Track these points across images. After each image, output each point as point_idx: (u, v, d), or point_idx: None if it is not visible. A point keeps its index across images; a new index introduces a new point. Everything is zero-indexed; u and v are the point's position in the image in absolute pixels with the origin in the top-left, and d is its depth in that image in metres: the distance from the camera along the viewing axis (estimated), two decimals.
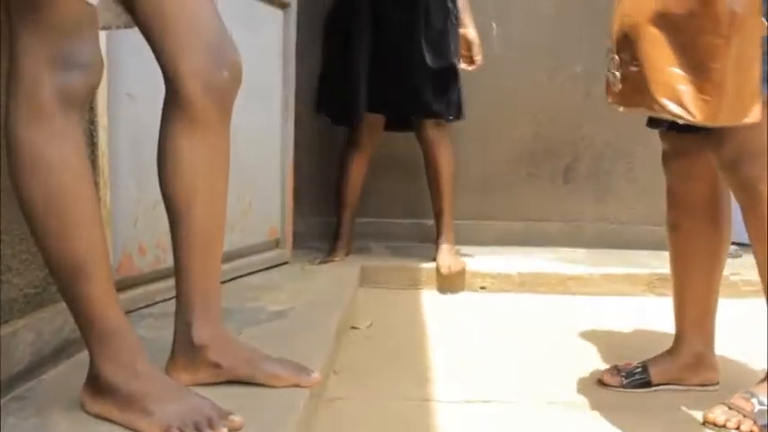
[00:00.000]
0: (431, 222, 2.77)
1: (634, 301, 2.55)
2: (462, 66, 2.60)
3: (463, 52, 2.61)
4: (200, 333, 1.18)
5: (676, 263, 1.61)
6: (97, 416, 1.06)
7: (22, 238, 1.19)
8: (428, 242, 2.80)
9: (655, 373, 1.60)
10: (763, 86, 1.19)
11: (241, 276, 2.25)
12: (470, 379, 1.70)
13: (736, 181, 1.35)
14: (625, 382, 1.60)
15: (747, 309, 2.16)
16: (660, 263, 2.34)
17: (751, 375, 1.59)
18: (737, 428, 1.37)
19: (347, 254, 2.76)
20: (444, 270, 2.59)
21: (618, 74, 1.26)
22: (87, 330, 1.05)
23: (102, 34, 1.22)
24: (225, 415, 1.03)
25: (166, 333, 1.24)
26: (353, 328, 2.09)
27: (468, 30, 2.57)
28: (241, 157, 1.82)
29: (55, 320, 1.28)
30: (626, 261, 2.83)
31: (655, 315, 2.21)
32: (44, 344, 1.25)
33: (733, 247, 1.94)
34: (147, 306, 1.77)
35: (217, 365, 1.19)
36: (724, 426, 1.38)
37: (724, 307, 1.64)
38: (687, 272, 1.58)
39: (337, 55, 2.58)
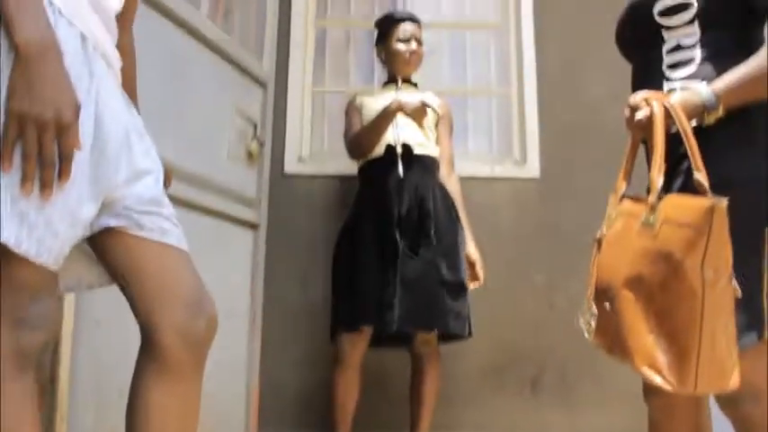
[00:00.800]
0: None
1: None
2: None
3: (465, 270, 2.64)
4: None
5: None
6: None
7: None
8: None
9: None
10: (751, 334, 1.20)
11: None
12: None
13: (737, 416, 1.31)
14: None
15: None
16: None
17: None
18: None
19: None
20: None
21: (593, 323, 1.28)
22: None
23: None
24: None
25: None
26: None
27: (470, 248, 2.63)
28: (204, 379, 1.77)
29: None
30: None
31: None
32: None
33: None
34: None
35: None
36: None
37: None
38: None
39: (346, 276, 2.53)
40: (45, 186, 0.94)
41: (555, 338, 3.12)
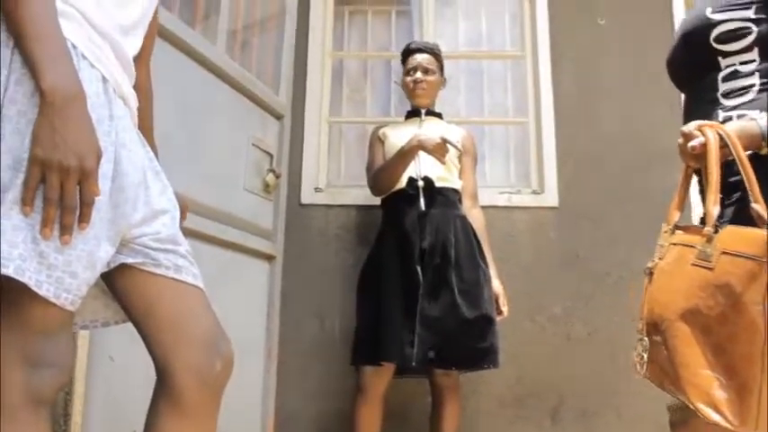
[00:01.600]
0: None
1: None
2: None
3: None
4: None
5: None
6: None
7: None
8: None
9: None
10: None
11: None
12: None
13: None
14: None
15: None
16: None
17: None
18: None
19: None
20: None
21: (645, 356, 1.24)
22: None
23: None
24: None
25: None
26: None
27: (494, 281, 2.59)
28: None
29: None
30: None
31: None
32: None
33: None
34: None
35: None
36: None
37: None
38: None
39: (370, 309, 2.51)
40: (65, 231, 0.95)
41: (574, 369, 3.08)
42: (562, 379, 3.10)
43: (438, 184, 2.57)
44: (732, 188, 1.26)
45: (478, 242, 2.57)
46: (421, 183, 2.56)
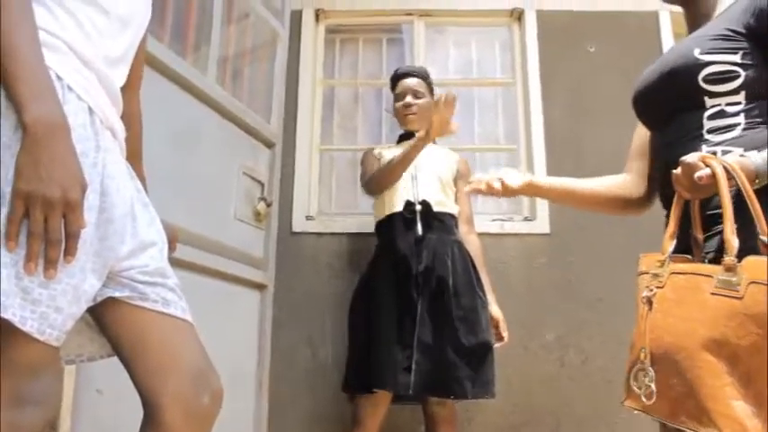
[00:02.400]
0: None
1: None
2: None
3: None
4: None
5: None
6: None
7: None
8: None
9: None
10: None
11: None
12: None
13: None
14: None
15: None
16: None
17: None
18: None
19: None
20: None
21: (653, 387, 1.22)
22: None
23: None
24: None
25: None
26: None
27: (493, 307, 2.55)
28: None
29: None
30: None
31: None
32: None
33: None
34: None
35: None
36: None
37: None
38: None
39: (364, 334, 2.44)
40: (50, 265, 0.93)
41: (568, 395, 3.06)
42: (557, 406, 3.08)
43: (435, 208, 2.53)
44: (711, 221, 1.29)
45: (475, 268, 2.53)
46: (418, 207, 2.52)
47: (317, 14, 3.49)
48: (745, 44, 1.35)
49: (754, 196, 1.17)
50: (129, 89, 1.29)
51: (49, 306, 0.94)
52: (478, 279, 2.52)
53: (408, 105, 2.69)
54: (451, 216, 2.59)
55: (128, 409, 1.13)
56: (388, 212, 2.56)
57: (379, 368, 2.31)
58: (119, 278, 1.10)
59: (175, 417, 1.09)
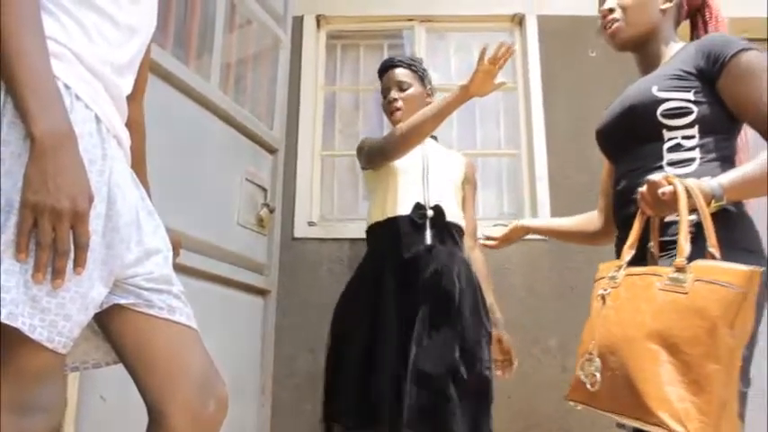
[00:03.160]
0: None
1: None
2: (497, 373, 2.31)
3: (498, 357, 2.34)
4: None
5: None
6: None
7: None
8: None
9: None
10: None
11: None
12: None
13: None
14: None
15: None
16: None
17: None
18: None
19: None
20: None
21: (598, 375, 1.32)
22: None
23: None
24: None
25: None
26: None
27: (502, 333, 2.35)
28: None
29: None
30: None
31: None
32: None
33: None
34: None
35: None
36: None
37: None
38: None
39: (353, 353, 2.11)
40: (57, 275, 0.94)
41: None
42: (560, 412, 3.07)
43: (448, 217, 2.24)
44: (667, 246, 1.43)
45: (481, 291, 2.25)
46: (430, 212, 2.21)
47: (319, 20, 3.50)
48: (696, 83, 1.50)
49: (708, 214, 1.30)
50: (134, 97, 1.30)
51: (57, 314, 0.95)
52: (484, 304, 2.24)
53: (392, 101, 2.40)
54: (461, 229, 2.32)
55: (132, 416, 1.14)
56: (390, 214, 2.23)
57: (382, 398, 1.99)
58: (124, 285, 1.11)
59: (181, 424, 1.10)
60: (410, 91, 2.41)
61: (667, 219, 1.39)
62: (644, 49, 1.69)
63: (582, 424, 3.04)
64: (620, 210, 1.62)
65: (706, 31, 1.67)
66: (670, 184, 1.35)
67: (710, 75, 1.48)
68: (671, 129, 1.52)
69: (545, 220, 2.24)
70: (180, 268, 1.26)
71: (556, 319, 3.10)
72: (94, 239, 1.00)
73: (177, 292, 1.18)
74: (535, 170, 3.26)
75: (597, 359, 1.33)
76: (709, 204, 1.34)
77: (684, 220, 1.30)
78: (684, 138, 1.50)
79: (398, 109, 2.37)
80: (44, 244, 0.92)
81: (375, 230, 2.30)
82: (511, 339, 2.43)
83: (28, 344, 0.94)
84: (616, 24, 1.69)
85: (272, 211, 2.46)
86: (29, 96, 0.93)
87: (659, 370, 1.20)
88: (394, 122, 2.39)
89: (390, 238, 2.21)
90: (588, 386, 1.34)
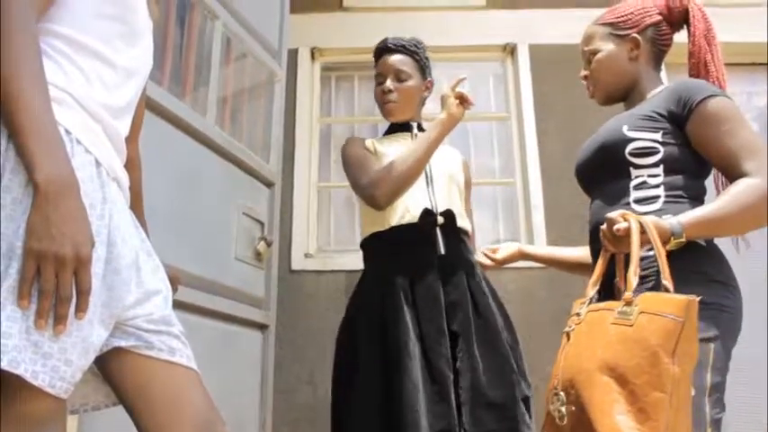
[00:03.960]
0: None
1: None
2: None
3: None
4: None
5: None
6: None
7: None
8: None
9: None
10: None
11: None
12: None
13: None
14: None
15: None
16: None
17: None
18: None
19: None
20: None
21: (564, 409, 1.35)
22: None
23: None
24: None
25: None
26: None
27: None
28: None
29: None
30: None
31: None
32: None
33: None
34: None
35: None
36: None
37: None
38: None
39: (374, 384, 1.82)
40: (60, 321, 0.94)
41: None
42: None
43: (458, 222, 2.03)
44: (643, 280, 1.44)
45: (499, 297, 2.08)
46: (441, 219, 1.99)
47: (313, 53, 3.54)
48: (666, 125, 1.56)
49: (662, 249, 1.36)
50: (130, 135, 1.31)
51: (59, 359, 0.95)
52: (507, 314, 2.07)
53: (387, 91, 2.13)
54: (467, 233, 2.12)
55: None
56: (396, 223, 2.00)
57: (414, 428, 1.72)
58: (124, 327, 1.11)
59: None
60: (409, 83, 2.15)
61: (643, 253, 1.43)
62: (629, 98, 1.74)
63: None
64: (592, 244, 1.68)
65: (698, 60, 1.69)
66: (626, 220, 1.40)
67: (680, 118, 1.54)
68: (637, 167, 1.57)
69: (545, 248, 2.20)
70: (178, 304, 1.25)
71: (553, 347, 3.08)
72: (95, 283, 1.00)
73: (177, 333, 1.18)
74: (530, 198, 3.27)
75: (562, 393, 1.36)
76: (668, 242, 1.40)
77: (635, 255, 1.36)
78: (650, 176, 1.56)
79: (393, 101, 2.13)
80: (47, 291, 0.92)
81: (376, 242, 2.05)
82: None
83: (29, 389, 0.93)
84: (591, 88, 1.79)
85: (269, 244, 2.46)
86: (31, 143, 0.93)
87: (610, 400, 1.24)
88: (386, 114, 2.18)
89: (397, 249, 1.98)
90: (557, 421, 1.36)
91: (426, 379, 1.79)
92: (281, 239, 2.88)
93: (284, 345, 2.91)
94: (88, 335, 0.99)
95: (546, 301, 3.17)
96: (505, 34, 3.60)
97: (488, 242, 3.31)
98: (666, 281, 1.32)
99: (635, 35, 1.70)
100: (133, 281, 1.11)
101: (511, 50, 3.59)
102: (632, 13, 1.72)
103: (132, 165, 1.34)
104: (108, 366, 1.13)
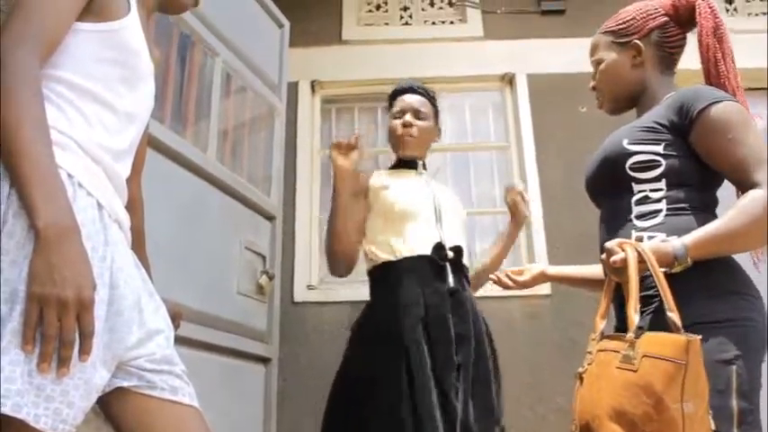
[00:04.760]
0: None
1: None
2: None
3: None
4: None
5: None
6: None
7: None
8: None
9: None
10: None
11: None
12: None
13: None
14: None
15: None
16: None
17: None
18: None
19: None
20: None
21: None
22: None
23: None
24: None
25: None
26: None
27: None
28: None
29: None
30: None
31: None
32: None
33: None
34: None
35: None
36: None
37: None
38: None
39: (385, 416, 1.83)
40: (63, 364, 0.95)
41: None
42: None
43: (464, 258, 2.10)
44: (646, 300, 1.40)
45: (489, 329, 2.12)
46: (451, 253, 2.05)
47: (313, 86, 3.57)
48: (668, 136, 1.49)
49: (662, 277, 1.29)
50: (132, 175, 1.32)
51: (61, 402, 0.95)
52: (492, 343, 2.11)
53: (408, 125, 2.20)
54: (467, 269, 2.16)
55: None
56: (408, 254, 2.03)
57: None
58: (126, 367, 1.11)
59: None
60: (426, 123, 2.25)
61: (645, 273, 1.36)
62: (639, 105, 1.68)
63: None
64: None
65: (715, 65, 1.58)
66: (623, 250, 1.35)
67: (682, 128, 1.47)
68: (639, 181, 1.51)
69: (567, 268, 2.08)
70: (180, 339, 1.26)
71: (561, 376, 3.06)
72: (98, 325, 1.01)
73: (179, 372, 1.18)
74: (531, 227, 3.28)
75: None
76: (672, 265, 1.33)
77: (634, 289, 1.30)
78: (652, 190, 1.49)
79: (413, 136, 2.21)
80: (50, 335, 0.93)
81: (388, 270, 2.04)
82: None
83: (31, 431, 0.93)
84: (599, 99, 1.76)
85: (271, 278, 2.47)
86: (32, 189, 0.95)
87: None
88: (402, 146, 2.24)
89: (411, 278, 1.99)
90: None
91: (437, 405, 1.82)
92: (283, 271, 2.88)
93: (288, 377, 2.90)
94: (91, 376, 1.00)
95: (551, 329, 3.15)
96: (503, 64, 3.63)
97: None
98: (671, 312, 1.25)
99: (636, 41, 1.63)
100: (135, 322, 1.12)
101: (509, 80, 3.63)
102: (634, 18, 1.65)
103: (134, 205, 1.36)
104: (110, 406, 1.13)
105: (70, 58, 1.12)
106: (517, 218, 2.25)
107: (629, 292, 1.31)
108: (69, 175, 1.04)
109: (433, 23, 3.83)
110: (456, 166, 3.58)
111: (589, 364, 1.39)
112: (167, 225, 1.92)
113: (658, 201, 1.48)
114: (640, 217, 1.49)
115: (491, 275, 2.20)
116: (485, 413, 1.91)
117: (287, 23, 2.96)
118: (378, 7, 3.85)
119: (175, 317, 1.34)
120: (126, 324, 1.09)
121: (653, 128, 1.51)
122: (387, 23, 3.81)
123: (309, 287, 3.18)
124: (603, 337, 1.41)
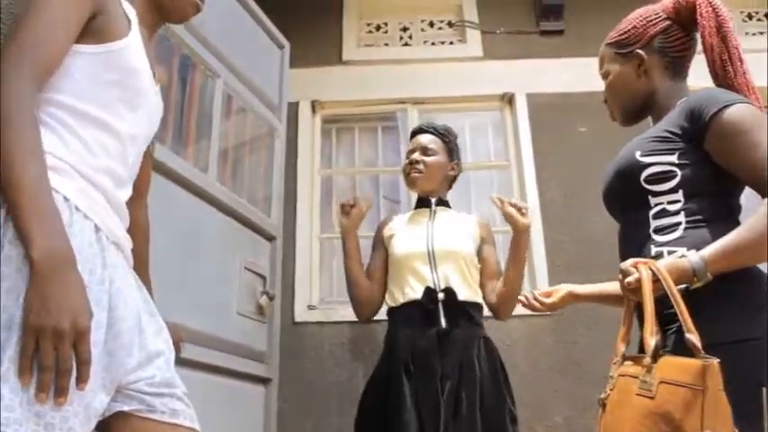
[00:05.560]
0: None
1: None
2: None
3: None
4: None
5: None
6: None
7: None
8: None
9: None
10: None
11: None
12: None
13: None
14: None
15: None
16: None
17: None
18: None
19: None
20: None
21: None
22: None
23: None
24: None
25: None
26: None
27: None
28: None
29: None
30: None
31: None
32: None
33: None
34: None
35: None
36: None
37: None
38: None
39: None
40: (60, 393, 0.94)
41: None
42: None
43: (460, 296, 2.17)
44: (671, 318, 1.31)
45: (503, 369, 2.21)
46: (441, 295, 2.15)
47: (314, 106, 3.59)
48: (681, 144, 1.43)
49: (678, 297, 1.24)
50: (136, 197, 1.32)
51: (61, 429, 0.95)
52: (506, 382, 2.20)
53: (413, 162, 2.35)
54: (478, 306, 2.25)
55: None
56: (403, 300, 2.20)
57: None
58: (126, 391, 1.11)
59: None
60: (434, 158, 2.37)
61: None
62: (652, 114, 1.62)
63: None
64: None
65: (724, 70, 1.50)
66: (637, 270, 1.30)
67: (695, 135, 1.40)
68: (655, 194, 1.45)
69: (593, 286, 2.03)
70: (179, 360, 1.26)
71: (560, 396, 3.06)
72: (96, 351, 1.00)
73: (180, 394, 1.18)
74: (532, 246, 3.27)
75: None
76: (691, 282, 1.28)
77: (650, 312, 1.25)
78: (669, 202, 1.43)
79: (419, 171, 2.34)
80: (46, 365, 0.93)
81: (390, 316, 2.28)
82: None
83: None
84: (611, 110, 1.71)
85: (271, 298, 2.46)
86: (26, 219, 0.94)
87: None
88: (409, 184, 2.42)
89: (404, 322, 2.19)
90: None
91: None
92: (283, 291, 2.88)
93: (288, 398, 2.88)
94: (90, 401, 1.00)
95: (551, 349, 3.14)
96: (503, 84, 3.65)
97: None
98: (691, 334, 1.19)
99: (638, 51, 1.58)
100: (135, 344, 1.12)
101: (509, 100, 3.64)
102: (634, 27, 1.60)
103: (138, 229, 1.35)
104: (111, 430, 1.13)
105: (70, 82, 1.12)
106: (518, 228, 2.24)
107: (645, 314, 1.26)
108: (65, 199, 1.04)
109: (433, 44, 3.86)
110: (456, 185, 3.57)
111: (611, 390, 1.34)
112: (167, 245, 1.92)
113: (676, 213, 1.42)
114: (659, 231, 1.44)
115: (520, 297, 2.20)
116: None
117: (287, 44, 2.98)
118: (378, 28, 3.88)
119: (177, 340, 1.33)
120: (125, 347, 1.08)
121: (665, 137, 1.45)
122: (387, 44, 3.85)
123: (310, 307, 3.18)
124: (625, 358, 1.35)
